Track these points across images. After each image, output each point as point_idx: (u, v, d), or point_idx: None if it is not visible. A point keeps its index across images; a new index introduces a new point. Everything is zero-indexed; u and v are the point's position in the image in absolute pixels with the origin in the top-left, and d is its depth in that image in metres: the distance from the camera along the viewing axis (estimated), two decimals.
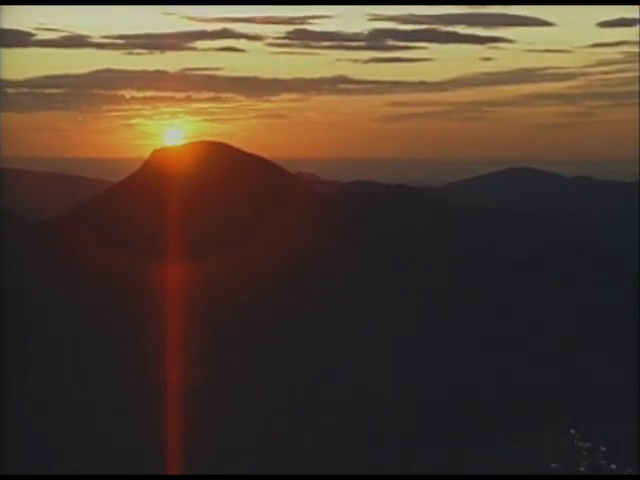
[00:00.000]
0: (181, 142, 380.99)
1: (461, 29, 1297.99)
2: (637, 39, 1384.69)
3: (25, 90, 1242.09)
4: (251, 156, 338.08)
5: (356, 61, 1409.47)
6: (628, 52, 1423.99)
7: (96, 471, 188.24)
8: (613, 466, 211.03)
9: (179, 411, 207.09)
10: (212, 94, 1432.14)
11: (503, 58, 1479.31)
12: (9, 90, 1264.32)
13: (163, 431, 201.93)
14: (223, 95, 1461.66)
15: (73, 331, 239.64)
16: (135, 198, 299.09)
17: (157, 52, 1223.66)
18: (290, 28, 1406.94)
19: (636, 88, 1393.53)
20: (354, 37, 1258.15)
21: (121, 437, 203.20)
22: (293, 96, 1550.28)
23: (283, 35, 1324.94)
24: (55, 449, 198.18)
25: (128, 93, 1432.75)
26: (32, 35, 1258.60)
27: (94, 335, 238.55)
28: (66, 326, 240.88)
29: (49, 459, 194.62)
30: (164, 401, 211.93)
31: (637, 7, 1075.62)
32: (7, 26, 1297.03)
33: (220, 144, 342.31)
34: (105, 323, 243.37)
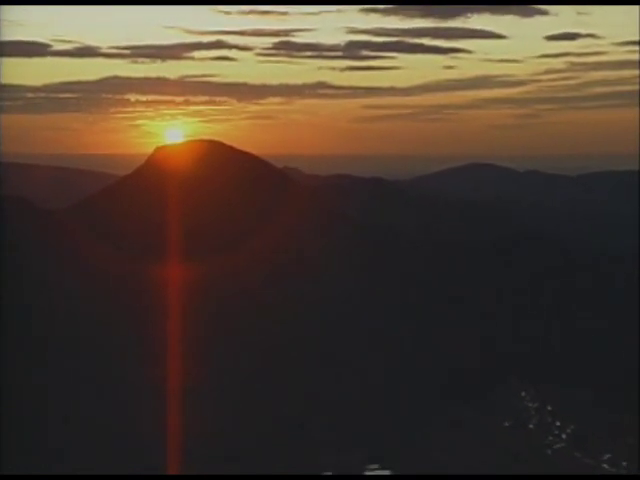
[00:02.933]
0: (180, 140, 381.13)
1: (426, 41, 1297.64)
2: (578, 51, 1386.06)
3: (43, 95, 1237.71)
4: (242, 153, 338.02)
5: (334, 69, 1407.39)
6: (571, 62, 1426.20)
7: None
8: (557, 423, 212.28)
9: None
10: (207, 98, 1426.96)
11: (463, 67, 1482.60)
12: (29, 95, 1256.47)
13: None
14: (217, 99, 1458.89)
15: (79, 316, 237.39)
16: (140, 189, 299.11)
17: (159, 61, 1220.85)
18: (276, 40, 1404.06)
19: (578, 94, 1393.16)
20: (333, 48, 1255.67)
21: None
22: (279, 100, 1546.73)
23: (270, 46, 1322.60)
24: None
25: (133, 97, 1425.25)
26: (49, 46, 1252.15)
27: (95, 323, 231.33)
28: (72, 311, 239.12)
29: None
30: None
31: (636, 7, 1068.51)
32: (28, 38, 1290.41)
33: (215, 142, 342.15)
34: (107, 306, 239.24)
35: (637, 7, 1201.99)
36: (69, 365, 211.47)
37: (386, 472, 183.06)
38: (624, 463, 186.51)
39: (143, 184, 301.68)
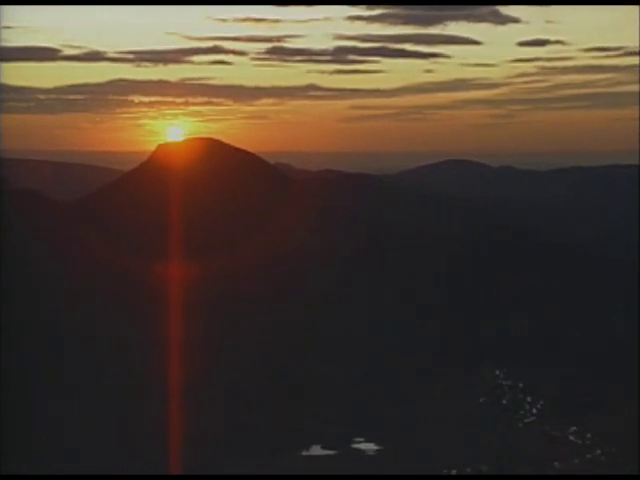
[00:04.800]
0: (181, 139, 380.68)
1: (408, 46, 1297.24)
2: (548, 56, 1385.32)
3: (53, 96, 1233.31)
4: (238, 150, 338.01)
5: (323, 72, 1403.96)
6: (541, 66, 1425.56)
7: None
8: (529, 398, 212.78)
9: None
10: (206, 99, 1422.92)
11: (442, 70, 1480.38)
12: (41, 96, 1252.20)
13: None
14: (215, 100, 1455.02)
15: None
16: (144, 184, 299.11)
17: (161, 65, 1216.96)
18: (269, 45, 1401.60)
19: (548, 96, 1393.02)
20: (322, 52, 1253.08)
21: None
22: (272, 101, 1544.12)
23: (263, 51, 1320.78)
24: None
25: (137, 98, 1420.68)
26: (60, 51, 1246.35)
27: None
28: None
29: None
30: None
31: (636, 7, 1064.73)
32: (40, 44, 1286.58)
33: (212, 140, 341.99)
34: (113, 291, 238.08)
35: (601, 14, 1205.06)
36: (70, 355, 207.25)
37: (371, 445, 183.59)
38: (588, 435, 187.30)
39: (147, 179, 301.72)
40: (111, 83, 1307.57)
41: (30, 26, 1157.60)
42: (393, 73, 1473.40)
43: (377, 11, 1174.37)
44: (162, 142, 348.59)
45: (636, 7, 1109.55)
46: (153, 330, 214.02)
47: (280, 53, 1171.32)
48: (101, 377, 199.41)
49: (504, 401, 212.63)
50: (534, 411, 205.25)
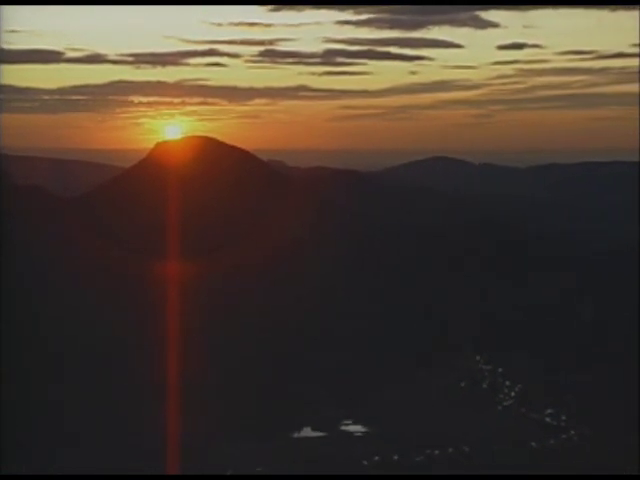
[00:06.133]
0: (178, 137, 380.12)
1: (393, 49, 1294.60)
2: (525, 59, 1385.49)
3: (57, 97, 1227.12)
4: (232, 147, 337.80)
5: (313, 74, 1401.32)
6: (519, 69, 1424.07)
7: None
8: (508, 382, 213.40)
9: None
10: (202, 99, 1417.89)
11: (426, 72, 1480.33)
12: (45, 97, 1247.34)
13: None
14: (210, 100, 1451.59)
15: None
16: (143, 179, 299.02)
17: (159, 67, 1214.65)
18: (262, 48, 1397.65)
19: (526, 96, 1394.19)
20: (312, 55, 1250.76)
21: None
22: (265, 101, 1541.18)
23: (257, 54, 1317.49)
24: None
25: (136, 99, 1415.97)
26: (63, 54, 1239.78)
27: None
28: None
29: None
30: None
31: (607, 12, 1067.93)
32: (44, 47, 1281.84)
33: (208, 138, 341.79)
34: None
35: (575, 19, 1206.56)
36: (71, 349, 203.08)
37: (359, 427, 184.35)
38: (563, 417, 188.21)
39: (146, 175, 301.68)
40: (112, 84, 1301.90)
41: (35, 30, 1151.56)
42: (379, 75, 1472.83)
43: (364, 16, 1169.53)
44: (160, 140, 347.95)
45: (607, 12, 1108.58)
46: (146, 315, 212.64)
47: (272, 56, 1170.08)
48: (101, 358, 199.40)
49: (484, 385, 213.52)
50: (512, 394, 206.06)
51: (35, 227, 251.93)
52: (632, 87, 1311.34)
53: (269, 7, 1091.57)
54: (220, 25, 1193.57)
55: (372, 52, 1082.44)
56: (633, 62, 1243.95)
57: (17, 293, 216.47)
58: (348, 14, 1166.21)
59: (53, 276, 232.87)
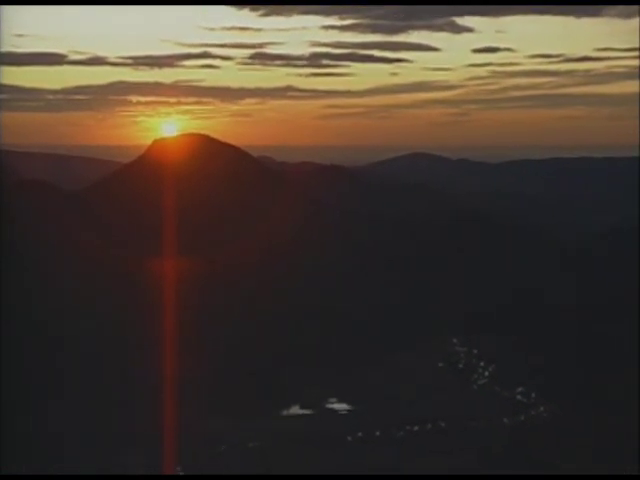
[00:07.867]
0: (174, 134, 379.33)
1: (375, 52, 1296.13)
2: (498, 62, 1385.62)
3: (60, 97, 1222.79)
4: (225, 144, 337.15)
5: (300, 75, 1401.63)
6: (493, 71, 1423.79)
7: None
8: (482, 363, 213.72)
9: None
10: (196, 99, 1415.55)
11: (405, 74, 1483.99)
12: (49, 97, 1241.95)
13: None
14: (204, 100, 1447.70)
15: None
16: (141, 174, 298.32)
17: (156, 68, 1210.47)
18: (252, 51, 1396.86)
19: (499, 96, 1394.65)
20: (299, 58, 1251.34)
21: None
22: (255, 100, 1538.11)
23: (247, 56, 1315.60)
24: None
25: (135, 98, 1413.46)
26: (66, 56, 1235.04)
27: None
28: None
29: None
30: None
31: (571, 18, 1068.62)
32: (49, 50, 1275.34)
33: (202, 136, 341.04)
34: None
35: (544, 24, 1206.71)
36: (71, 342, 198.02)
37: (344, 405, 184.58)
38: (533, 394, 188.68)
39: (143, 170, 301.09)
40: (112, 85, 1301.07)
41: (40, 34, 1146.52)
42: (362, 76, 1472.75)
43: (348, 21, 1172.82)
44: (157, 137, 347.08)
45: (573, 19, 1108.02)
46: (141, 302, 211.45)
47: (262, 58, 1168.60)
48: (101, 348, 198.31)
49: (460, 365, 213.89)
50: (486, 374, 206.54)
51: (38, 218, 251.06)
52: (597, 88, 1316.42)
53: (259, 13, 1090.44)
54: (213, 29, 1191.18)
55: (355, 55, 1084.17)
56: (597, 65, 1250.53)
57: (18, 283, 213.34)
58: (333, 19, 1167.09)
59: (55, 262, 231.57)
